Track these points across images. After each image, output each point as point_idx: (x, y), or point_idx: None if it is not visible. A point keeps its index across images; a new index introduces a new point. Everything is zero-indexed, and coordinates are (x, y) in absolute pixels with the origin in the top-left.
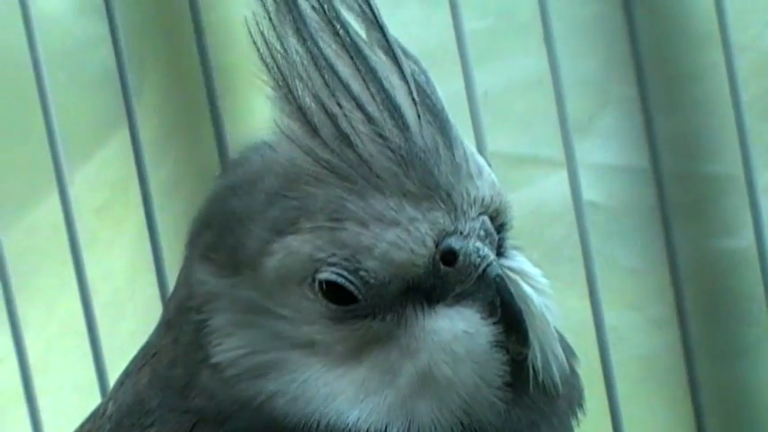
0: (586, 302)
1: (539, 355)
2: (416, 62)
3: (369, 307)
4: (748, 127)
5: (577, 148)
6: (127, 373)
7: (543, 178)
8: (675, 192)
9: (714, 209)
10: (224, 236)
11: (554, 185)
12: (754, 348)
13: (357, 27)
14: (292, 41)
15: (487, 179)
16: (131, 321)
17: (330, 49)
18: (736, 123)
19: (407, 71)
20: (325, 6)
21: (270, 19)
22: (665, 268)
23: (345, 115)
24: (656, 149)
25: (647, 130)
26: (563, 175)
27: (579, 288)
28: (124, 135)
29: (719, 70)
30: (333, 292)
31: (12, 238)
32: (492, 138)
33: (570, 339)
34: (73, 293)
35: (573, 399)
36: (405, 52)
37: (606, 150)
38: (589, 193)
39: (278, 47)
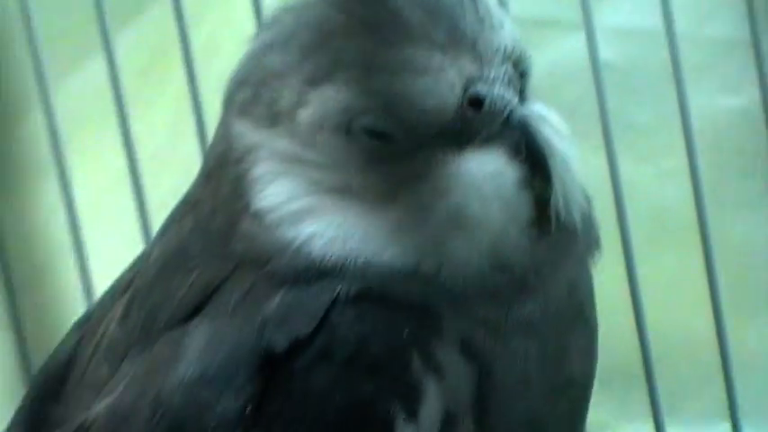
0: (602, 156)
1: (560, 194)
2: None
3: (402, 151)
4: None
5: (595, 10)
6: (170, 222)
7: (561, 40)
8: (687, 52)
9: (723, 69)
10: (261, 91)
11: (571, 47)
12: (757, 201)
13: None
14: None
15: (509, 30)
16: (173, 176)
17: None
18: None
19: None
20: None
21: None
22: (677, 124)
23: None
24: (670, 11)
25: None
26: (580, 36)
27: (595, 142)
28: None
29: None
30: (369, 136)
31: (60, 99)
32: (512, 1)
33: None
34: (118, 150)
35: (590, 240)
36: None
37: (622, 12)
38: (605, 53)
39: None
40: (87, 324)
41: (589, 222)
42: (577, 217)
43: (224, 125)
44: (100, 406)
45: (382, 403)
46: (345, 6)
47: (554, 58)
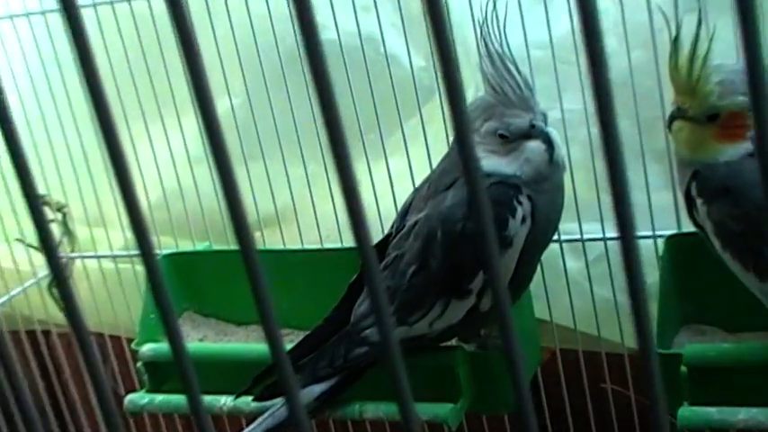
0: None
1: (557, 153)
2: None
3: (510, 141)
4: None
5: None
6: (441, 161)
7: None
8: None
9: None
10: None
11: None
12: None
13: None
14: (497, 71)
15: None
16: None
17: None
18: None
19: (519, 75)
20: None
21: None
22: None
23: (509, 85)
24: None
25: None
26: None
27: None
28: None
29: None
30: (500, 137)
31: None
32: None
33: None
34: None
35: (562, 171)
36: (518, 69)
37: None
38: None
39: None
40: (416, 192)
41: (563, 164)
42: (562, 162)
43: None
44: (420, 214)
45: (503, 213)
46: (497, 96)
47: None
